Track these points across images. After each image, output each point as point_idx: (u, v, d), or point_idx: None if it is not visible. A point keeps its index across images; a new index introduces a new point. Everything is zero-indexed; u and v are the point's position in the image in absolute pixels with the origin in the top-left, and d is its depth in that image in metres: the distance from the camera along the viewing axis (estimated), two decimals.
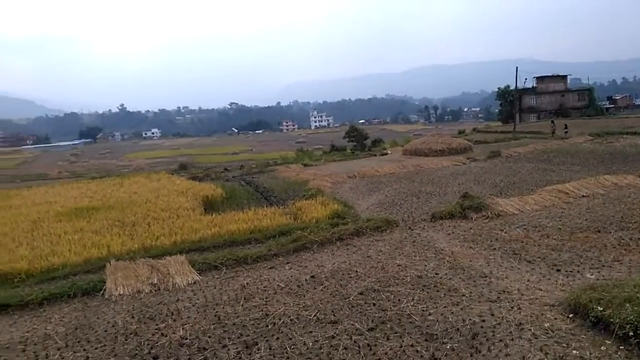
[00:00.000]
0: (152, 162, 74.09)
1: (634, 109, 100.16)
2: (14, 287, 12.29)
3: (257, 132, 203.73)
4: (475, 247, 12.44)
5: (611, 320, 7.24)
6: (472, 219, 15.39)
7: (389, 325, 8.14)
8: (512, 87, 65.53)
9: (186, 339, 8.22)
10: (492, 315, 8.23)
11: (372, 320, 8.38)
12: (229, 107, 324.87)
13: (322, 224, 15.94)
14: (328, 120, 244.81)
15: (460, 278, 10.22)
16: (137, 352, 7.91)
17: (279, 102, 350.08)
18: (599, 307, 7.57)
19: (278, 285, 10.70)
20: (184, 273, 11.71)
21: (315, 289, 10.28)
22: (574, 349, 6.87)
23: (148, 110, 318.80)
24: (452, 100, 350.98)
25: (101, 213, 20.42)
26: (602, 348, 6.84)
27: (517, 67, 55.66)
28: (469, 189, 20.36)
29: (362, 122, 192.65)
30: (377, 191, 22.38)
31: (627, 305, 7.32)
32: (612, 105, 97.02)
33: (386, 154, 43.96)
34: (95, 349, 8.17)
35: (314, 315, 8.79)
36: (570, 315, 7.92)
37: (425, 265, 11.17)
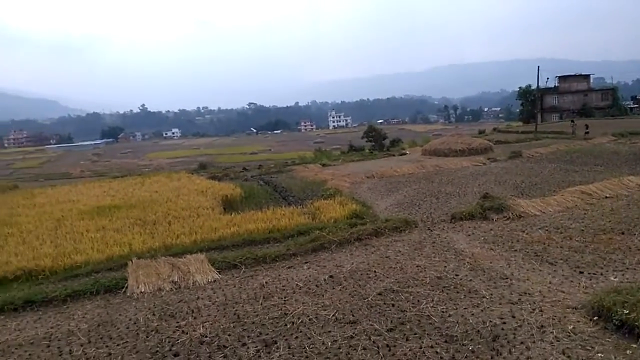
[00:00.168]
0: (172, 161, 74.99)
1: None
2: (38, 284, 12.55)
3: (275, 132, 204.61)
4: (496, 249, 12.31)
5: (636, 323, 7.10)
6: (492, 220, 15.22)
7: (408, 326, 8.11)
8: (534, 87, 64.55)
9: (206, 336, 8.31)
10: (513, 317, 8.14)
11: (391, 321, 8.35)
12: (247, 107, 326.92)
13: (341, 224, 15.95)
14: (346, 120, 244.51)
15: (480, 279, 10.12)
16: (158, 349, 8.02)
17: (297, 102, 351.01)
18: (623, 310, 7.43)
19: (297, 284, 10.74)
20: (204, 271, 11.83)
21: (333, 288, 10.29)
22: (597, 353, 6.76)
23: (168, 111, 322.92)
24: (472, 99, 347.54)
25: (123, 212, 20.74)
26: (627, 352, 6.71)
27: (538, 67, 54.85)
28: (490, 189, 20.14)
29: (381, 122, 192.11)
30: (395, 191, 22.29)
31: None
32: (636, 105, 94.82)
33: (405, 154, 43.71)
34: (117, 345, 8.31)
35: (333, 315, 8.80)
36: (594, 318, 7.79)
37: (445, 267, 11.09)
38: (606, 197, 17.23)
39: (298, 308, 9.24)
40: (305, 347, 7.65)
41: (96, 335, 8.85)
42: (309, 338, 7.97)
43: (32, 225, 19.51)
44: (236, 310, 9.48)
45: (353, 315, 8.72)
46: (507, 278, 10.09)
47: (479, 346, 7.24)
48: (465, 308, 8.67)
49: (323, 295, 9.90)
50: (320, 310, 9.11)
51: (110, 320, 9.51)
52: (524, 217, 15.28)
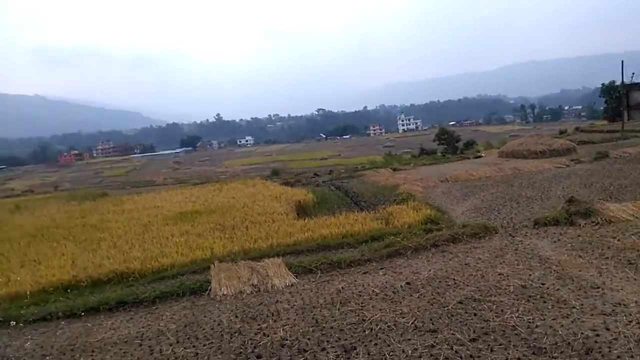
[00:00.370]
0: (246, 168, 77.47)
1: None
2: (129, 286, 13.41)
3: (344, 137, 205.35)
4: (584, 256, 11.58)
5: None
6: (580, 225, 14.33)
7: (492, 337, 7.83)
8: (618, 83, 60.12)
9: (287, 340, 8.49)
10: (607, 329, 7.62)
11: (474, 331, 8.10)
12: (316, 113, 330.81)
13: (415, 230, 15.71)
14: (416, 123, 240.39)
15: (569, 289, 9.56)
16: (241, 350, 8.30)
17: (365, 107, 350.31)
18: None
19: (373, 290, 10.70)
20: (282, 275, 12.10)
21: (411, 296, 10.15)
22: None
23: (242, 119, 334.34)
24: (551, 98, 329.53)
25: (203, 217, 21.71)
26: None
27: (622, 61, 51.08)
28: (575, 193, 19.00)
29: (453, 124, 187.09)
30: (472, 196, 21.60)
31: None
32: None
33: (480, 156, 42.30)
34: (204, 345, 8.69)
35: (412, 323, 8.68)
36: None
37: (530, 275, 10.59)
38: None
39: (376, 314, 9.21)
40: (385, 355, 7.60)
41: (184, 335, 9.31)
42: (389, 345, 7.92)
43: (122, 230, 20.91)
44: (314, 314, 9.61)
45: (433, 324, 8.55)
46: (598, 287, 9.46)
47: (570, 359, 6.85)
48: (553, 319, 8.23)
49: (400, 303, 9.79)
50: (398, 317, 9.02)
51: (196, 321, 9.98)
52: (614, 222, 14.25)
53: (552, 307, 8.75)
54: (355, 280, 11.62)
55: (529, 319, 8.32)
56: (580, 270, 10.54)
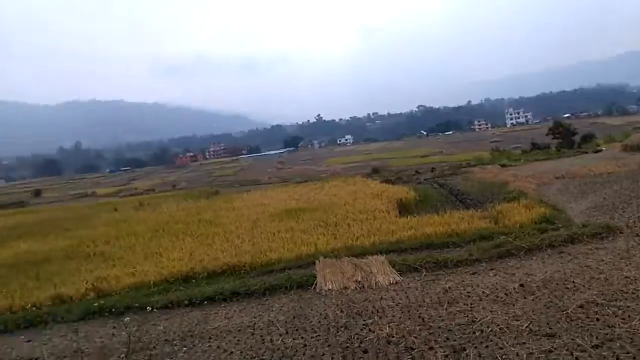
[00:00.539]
0: (346, 166, 78.23)
1: None
2: (241, 278, 14.16)
3: (446, 133, 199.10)
4: None
5: None
6: None
7: (618, 344, 7.15)
8: None
9: (393, 337, 8.44)
10: None
11: (597, 337, 7.46)
12: (416, 110, 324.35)
13: (528, 229, 14.83)
14: (526, 117, 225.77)
15: None
16: (348, 344, 8.41)
17: (469, 101, 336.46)
18: None
19: (483, 291, 10.27)
20: (386, 273, 12.06)
21: (525, 298, 9.59)
22: None
23: (341, 119, 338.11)
24: None
25: (307, 214, 22.34)
26: None
27: None
28: None
29: (567, 117, 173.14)
30: (591, 193, 19.87)
31: None
32: None
33: (600, 150, 38.85)
34: (311, 337, 8.94)
35: (526, 327, 8.20)
36: None
37: None
38: None
39: (486, 316, 8.83)
40: (496, 357, 7.27)
41: (292, 327, 9.65)
42: (501, 348, 7.55)
43: (233, 225, 22.18)
44: (420, 313, 9.45)
45: (550, 328, 8.01)
46: None
47: None
48: None
49: (514, 305, 9.29)
50: (511, 320, 8.57)
51: (303, 314, 10.29)
52: None
53: None
54: (463, 281, 11.24)
55: None
56: None
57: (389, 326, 8.90)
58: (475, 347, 7.68)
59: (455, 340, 8.02)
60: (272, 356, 8.32)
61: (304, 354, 8.23)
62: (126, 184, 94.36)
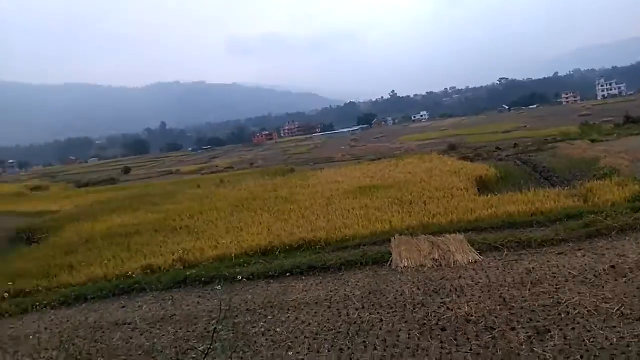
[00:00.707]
0: (421, 143, 76.39)
1: None
2: (316, 253, 14.42)
3: (530, 107, 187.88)
4: None
5: None
6: None
7: None
8: None
9: (472, 316, 8.26)
10: None
11: None
12: (498, 83, 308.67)
13: (621, 208, 13.84)
14: (619, 88, 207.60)
15: None
16: (425, 322, 8.35)
17: (556, 73, 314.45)
18: None
19: (569, 272, 9.75)
20: (464, 252, 11.77)
21: (616, 280, 9.00)
22: None
23: (416, 94, 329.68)
24: None
25: (381, 191, 22.19)
26: None
27: None
28: None
29: None
30: None
31: None
32: None
33: None
34: (388, 313, 8.97)
35: (617, 310, 7.71)
36: None
37: None
38: None
39: (573, 298, 8.39)
40: (584, 340, 6.92)
41: (368, 302, 9.72)
42: (589, 331, 7.17)
43: (308, 202, 22.51)
44: (501, 293, 9.16)
45: None
46: None
47: None
48: None
49: (603, 287, 8.75)
50: (600, 302, 8.08)
51: (379, 290, 10.33)
52: None
53: None
54: (548, 261, 10.71)
55: None
56: None
57: (468, 305, 8.71)
58: (561, 330, 7.35)
59: (539, 322, 7.72)
60: (349, 329, 8.45)
61: (380, 329, 8.29)
62: (207, 162, 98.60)
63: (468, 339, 7.52)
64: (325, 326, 8.80)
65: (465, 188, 20.89)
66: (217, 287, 11.34)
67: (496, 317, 8.08)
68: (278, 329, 8.97)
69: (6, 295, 13.55)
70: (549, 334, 7.25)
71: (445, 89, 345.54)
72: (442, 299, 9.28)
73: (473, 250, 11.91)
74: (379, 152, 65.65)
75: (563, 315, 7.82)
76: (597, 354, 6.54)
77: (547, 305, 8.27)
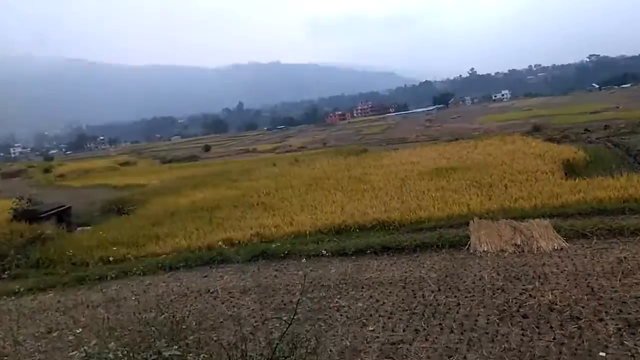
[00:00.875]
0: (502, 124, 72.78)
1: None
2: (390, 234, 14.38)
3: (623, 86, 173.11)
4: None
5: None
6: None
7: None
8: None
9: (556, 304, 7.90)
10: None
11: None
12: (587, 60, 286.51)
13: None
14: None
15: None
16: (505, 307, 8.10)
17: None
18: None
19: None
20: (549, 238, 11.22)
21: None
22: None
23: (497, 72, 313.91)
24: None
25: (458, 173, 21.58)
26: None
27: None
28: None
29: None
30: None
31: None
32: None
33: None
34: (465, 297, 8.78)
35: None
36: None
37: None
38: None
39: None
40: None
41: (444, 284, 9.57)
42: None
43: (382, 183, 22.41)
44: (589, 282, 8.66)
45: None
46: None
47: None
48: None
49: None
50: None
51: (456, 273, 10.13)
52: None
53: None
54: None
55: None
56: None
57: (552, 293, 8.33)
58: None
59: (630, 314, 7.25)
60: (424, 311, 8.39)
61: (457, 312, 8.15)
62: (282, 141, 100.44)
63: (551, 327, 7.21)
64: (399, 306, 8.79)
65: (551, 171, 19.83)
66: (303, 261, 11.64)
67: (583, 307, 7.67)
68: (352, 306, 9.09)
69: (111, 258, 14.79)
70: None
71: (530, 66, 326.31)
72: (523, 285, 8.93)
73: (559, 236, 11.32)
74: (455, 133, 63.49)
75: None
76: None
77: None
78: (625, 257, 9.71)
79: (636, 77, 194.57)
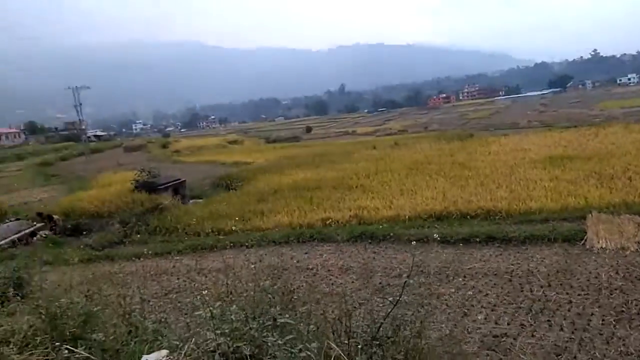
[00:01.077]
0: (628, 111, 65.55)
1: None
2: (496, 224, 13.75)
3: None
4: None
5: None
6: None
7: None
8: None
9: None
10: None
11: None
12: None
13: None
14: None
15: None
16: (623, 309, 7.47)
17: None
18: None
19: None
20: None
21: None
22: None
23: (624, 54, 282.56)
24: None
25: (576, 163, 19.99)
26: None
27: None
28: None
29: None
30: None
31: None
32: None
33: None
34: (578, 295, 8.21)
35: None
36: None
37: None
38: None
39: None
40: None
41: (555, 280, 9.00)
42: None
43: (488, 170, 21.38)
44: None
45: None
46: None
47: None
48: None
49: None
50: None
51: (569, 269, 9.47)
52: None
53: None
54: None
55: None
56: None
57: None
58: None
59: None
60: (532, 306, 7.98)
61: (568, 310, 7.65)
62: (382, 124, 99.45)
63: None
64: (504, 299, 8.44)
65: None
66: (412, 243, 11.61)
67: None
68: (454, 295, 8.89)
69: (234, 227, 16.05)
70: None
71: None
72: None
73: None
74: (573, 119, 58.49)
75: None
76: None
77: None
78: None
79: None
